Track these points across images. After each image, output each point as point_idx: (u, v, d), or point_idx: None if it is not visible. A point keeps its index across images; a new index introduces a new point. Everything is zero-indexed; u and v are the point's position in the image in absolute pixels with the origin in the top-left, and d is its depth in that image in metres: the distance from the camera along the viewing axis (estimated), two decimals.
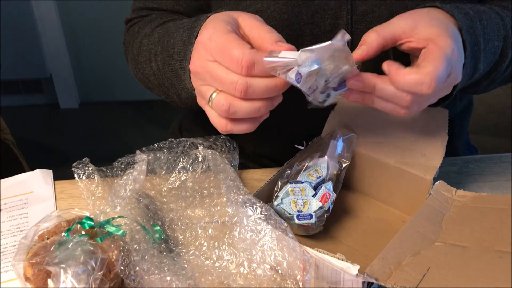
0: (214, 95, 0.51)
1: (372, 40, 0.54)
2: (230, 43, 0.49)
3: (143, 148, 0.68)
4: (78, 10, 2.26)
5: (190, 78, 0.58)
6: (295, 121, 0.77)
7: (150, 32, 0.71)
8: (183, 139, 0.68)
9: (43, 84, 2.41)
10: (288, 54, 0.50)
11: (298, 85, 0.51)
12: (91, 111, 2.42)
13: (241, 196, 0.53)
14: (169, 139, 0.69)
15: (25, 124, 2.29)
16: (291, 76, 0.50)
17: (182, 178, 0.63)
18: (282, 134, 0.79)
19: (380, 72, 0.56)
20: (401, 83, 0.53)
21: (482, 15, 0.62)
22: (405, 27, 0.55)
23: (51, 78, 2.37)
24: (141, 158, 0.59)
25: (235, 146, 0.73)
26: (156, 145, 0.68)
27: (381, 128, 0.68)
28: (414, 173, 0.63)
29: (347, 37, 0.49)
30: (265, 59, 0.49)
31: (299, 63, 0.49)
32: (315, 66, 0.49)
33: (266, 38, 0.51)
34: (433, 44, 0.54)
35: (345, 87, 0.57)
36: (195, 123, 0.89)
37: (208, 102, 0.52)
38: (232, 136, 0.74)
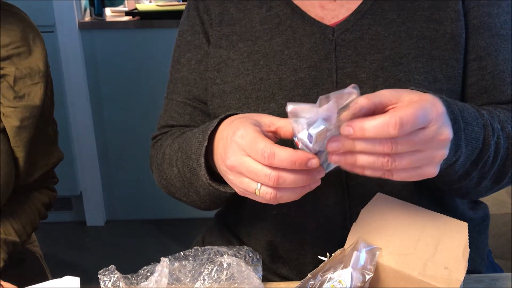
0: (259, 186, 0.59)
1: (363, 102, 0.56)
2: (256, 139, 0.58)
3: (169, 256, 0.70)
4: (113, 134, 2.41)
5: (207, 174, 0.67)
6: (317, 236, 0.79)
7: (171, 142, 0.80)
8: (208, 247, 0.70)
9: (72, 201, 2.49)
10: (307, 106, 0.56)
11: (310, 145, 0.56)
12: (116, 229, 2.45)
13: None
14: (195, 247, 0.71)
15: (51, 240, 2.32)
16: (304, 138, 0.56)
17: (207, 285, 0.64)
18: (305, 247, 0.80)
19: None
20: (368, 129, 0.54)
21: (457, 102, 0.66)
22: (390, 95, 0.58)
23: (80, 196, 2.45)
24: (163, 260, 0.61)
25: (258, 257, 0.74)
26: (182, 253, 0.70)
27: (402, 240, 0.69)
28: (438, 287, 0.63)
29: (357, 90, 0.56)
30: (289, 104, 0.56)
31: (318, 107, 0.55)
32: (322, 126, 0.55)
33: (284, 128, 0.62)
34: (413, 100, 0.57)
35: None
36: (218, 237, 0.92)
37: (255, 191, 0.59)
38: (255, 249, 0.76)
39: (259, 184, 0.59)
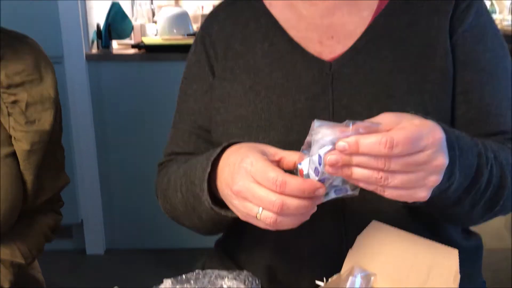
0: (260, 210, 0.61)
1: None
2: (267, 168, 0.61)
3: (171, 279, 0.72)
4: (115, 163, 2.44)
5: (210, 199, 0.70)
6: (314, 259, 0.81)
7: (176, 169, 0.83)
8: (209, 270, 0.72)
9: (73, 229, 2.49)
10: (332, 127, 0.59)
11: (320, 168, 0.59)
12: (116, 258, 2.45)
13: None
14: (196, 271, 0.73)
15: (50, 267, 2.32)
16: (315, 160, 0.59)
17: None
18: (302, 271, 0.82)
19: None
20: (362, 144, 0.56)
21: (454, 130, 0.68)
22: (389, 121, 0.59)
23: (81, 224, 2.46)
24: (166, 281, 0.63)
25: (257, 282, 0.76)
26: (184, 276, 0.72)
27: (396, 266, 0.71)
28: None
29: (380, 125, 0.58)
30: (316, 120, 0.59)
31: (345, 126, 0.57)
32: (330, 147, 0.58)
33: (287, 158, 0.65)
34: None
35: (347, 191, 0.63)
36: (219, 264, 0.94)
37: (256, 215, 0.62)
38: (254, 274, 0.78)
39: (260, 208, 0.61)
